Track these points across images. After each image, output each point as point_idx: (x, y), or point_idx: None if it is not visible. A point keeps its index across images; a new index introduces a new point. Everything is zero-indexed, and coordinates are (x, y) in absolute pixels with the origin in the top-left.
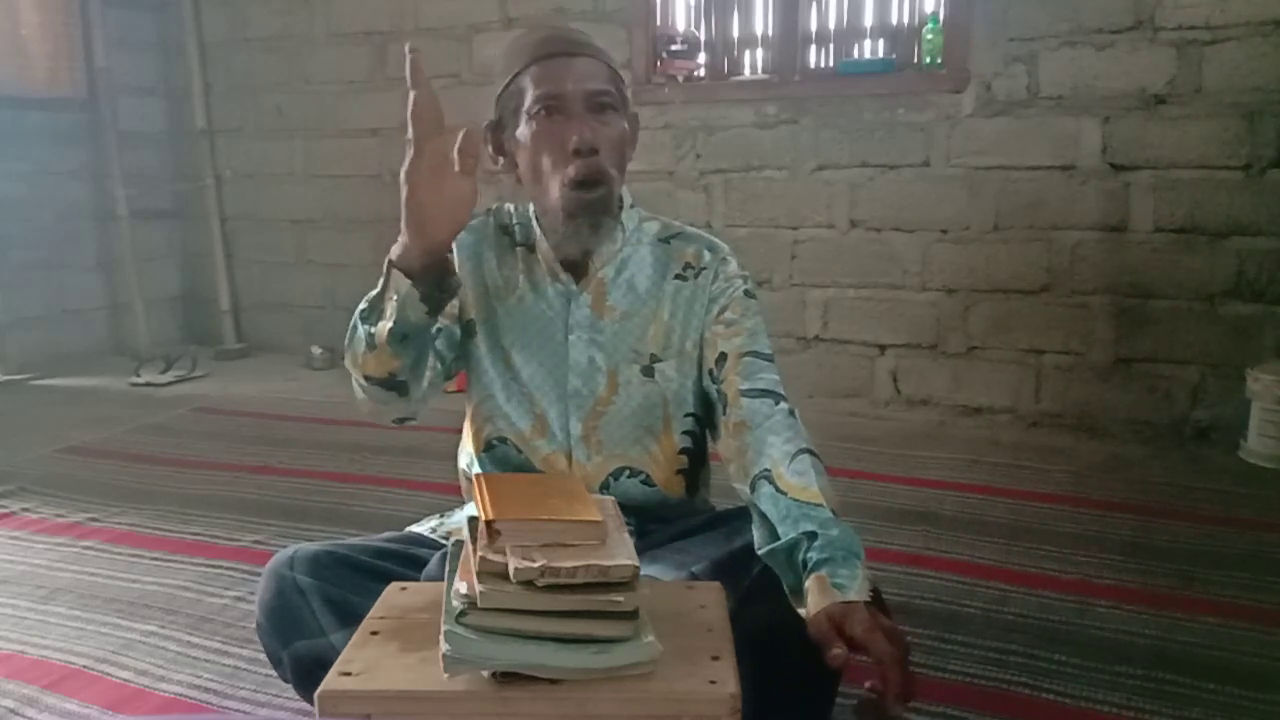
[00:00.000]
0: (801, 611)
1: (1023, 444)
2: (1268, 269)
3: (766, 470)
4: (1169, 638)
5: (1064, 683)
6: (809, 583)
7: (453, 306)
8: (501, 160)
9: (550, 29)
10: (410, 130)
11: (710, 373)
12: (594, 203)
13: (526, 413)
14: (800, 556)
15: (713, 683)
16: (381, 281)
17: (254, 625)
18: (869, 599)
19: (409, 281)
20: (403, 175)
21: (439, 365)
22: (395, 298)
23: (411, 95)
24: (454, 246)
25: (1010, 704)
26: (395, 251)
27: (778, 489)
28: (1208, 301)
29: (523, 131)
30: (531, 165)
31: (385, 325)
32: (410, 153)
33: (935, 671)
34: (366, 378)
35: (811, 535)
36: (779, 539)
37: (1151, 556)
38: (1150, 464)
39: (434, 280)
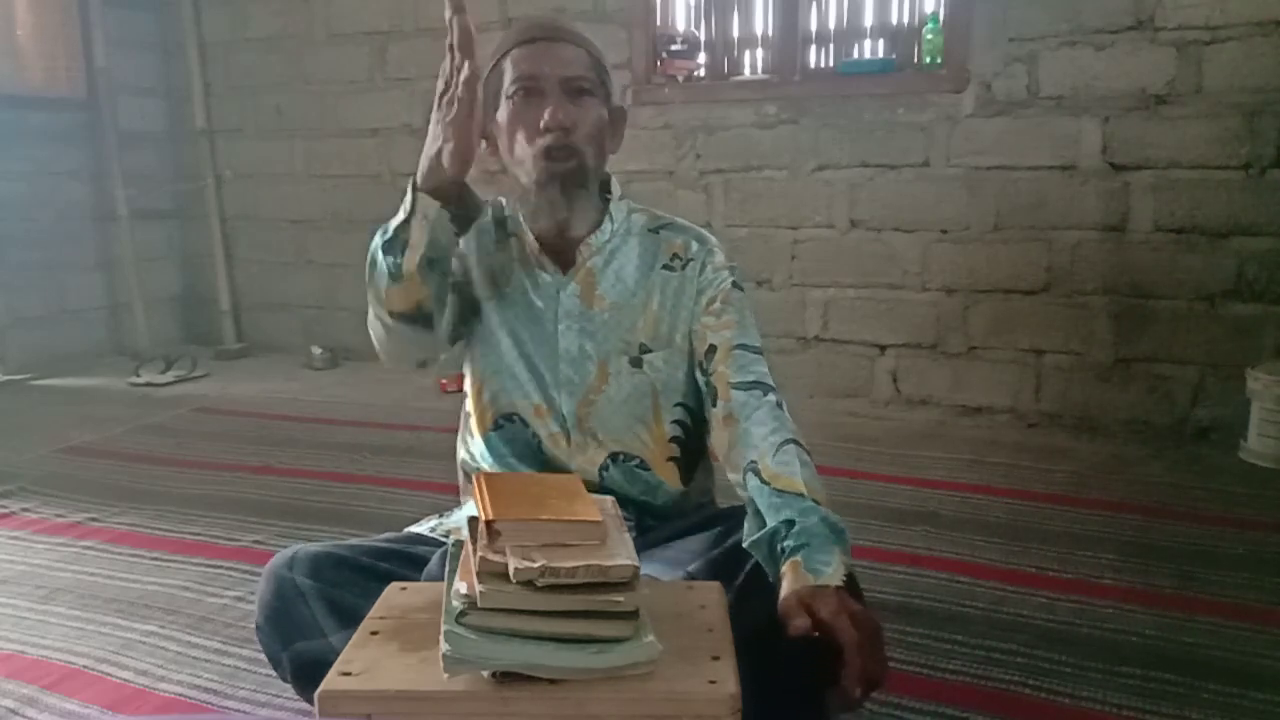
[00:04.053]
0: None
1: (1023, 444)
2: (1268, 269)
3: (753, 461)
4: (1169, 638)
5: (1064, 683)
6: (784, 568)
7: (458, 268)
8: (485, 144)
9: (540, 18)
10: (456, 52)
11: (700, 365)
12: (564, 172)
13: (536, 389)
14: (779, 545)
15: (713, 683)
16: (405, 209)
17: (254, 625)
18: (841, 583)
19: (437, 203)
20: (454, 94)
21: (453, 306)
22: (425, 221)
23: (455, 21)
24: None
25: (1010, 704)
26: (422, 175)
27: (762, 480)
28: (1208, 301)
29: (502, 112)
30: (508, 145)
31: (414, 254)
32: (462, 73)
33: (935, 671)
34: (392, 314)
35: (789, 523)
36: (763, 526)
37: (1151, 556)
38: (1150, 464)
39: (461, 199)
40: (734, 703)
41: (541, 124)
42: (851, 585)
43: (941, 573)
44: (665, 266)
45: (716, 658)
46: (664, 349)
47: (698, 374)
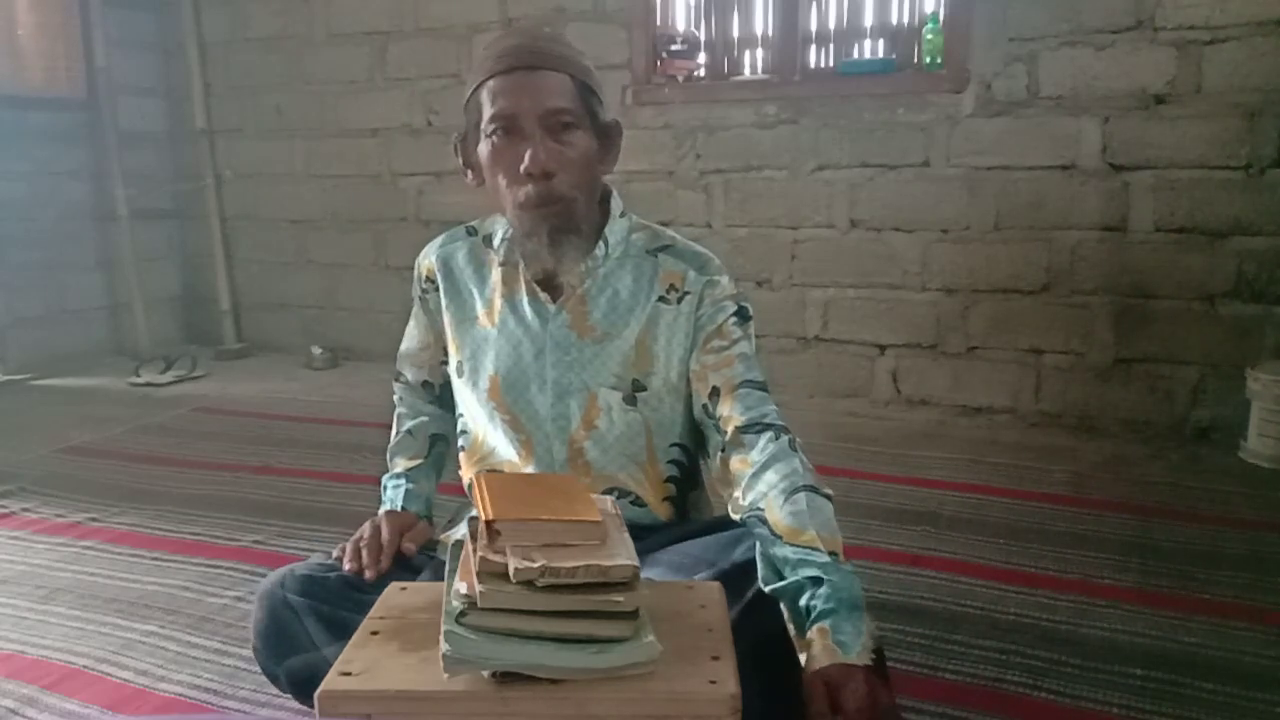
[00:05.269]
0: (802, 658)
1: (1023, 444)
2: (1268, 269)
3: (759, 510)
4: (1169, 638)
5: (1064, 683)
6: (812, 633)
7: (435, 356)
8: (470, 174)
9: (518, 38)
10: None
11: (705, 407)
12: (547, 219)
13: (512, 440)
14: (804, 603)
15: (713, 683)
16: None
17: (251, 649)
18: (871, 661)
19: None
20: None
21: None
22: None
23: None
24: (438, 282)
25: (1010, 704)
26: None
27: (772, 532)
28: (1208, 301)
29: (482, 148)
30: (491, 182)
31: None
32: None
33: (935, 671)
34: None
35: (816, 580)
36: (783, 577)
37: (1151, 556)
38: (1150, 464)
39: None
40: (734, 703)
41: (521, 169)
42: (879, 661)
43: (941, 573)
44: (661, 299)
45: (716, 658)
46: (660, 388)
47: (701, 415)
